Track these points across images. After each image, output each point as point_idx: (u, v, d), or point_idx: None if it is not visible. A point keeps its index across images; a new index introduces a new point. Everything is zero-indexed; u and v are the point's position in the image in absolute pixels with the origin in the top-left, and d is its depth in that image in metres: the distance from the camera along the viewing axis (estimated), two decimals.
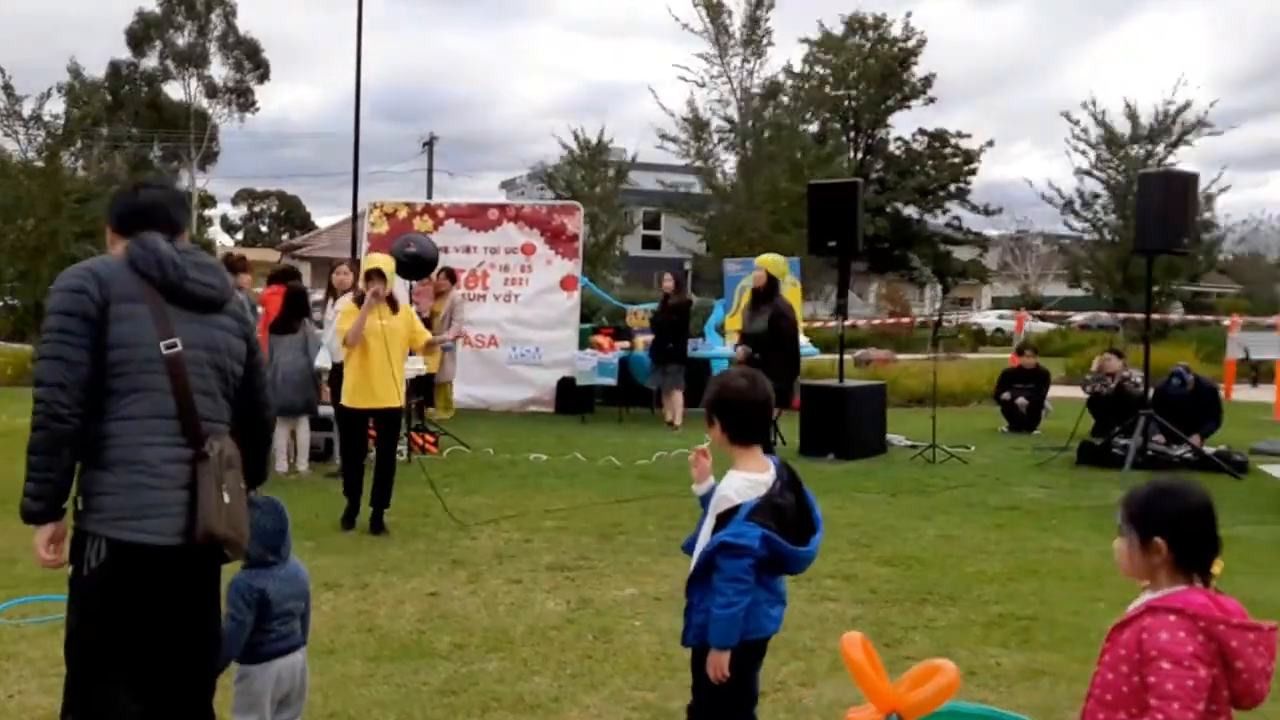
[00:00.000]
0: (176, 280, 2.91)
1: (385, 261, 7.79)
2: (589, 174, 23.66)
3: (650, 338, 12.67)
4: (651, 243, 45.83)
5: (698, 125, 18.32)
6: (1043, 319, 41.91)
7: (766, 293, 7.74)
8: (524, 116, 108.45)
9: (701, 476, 3.39)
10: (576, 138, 24.37)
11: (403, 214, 13.98)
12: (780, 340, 7.79)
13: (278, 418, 9.11)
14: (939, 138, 41.91)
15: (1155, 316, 22.28)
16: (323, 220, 72.68)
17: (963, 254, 48.29)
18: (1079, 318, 42.27)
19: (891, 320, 25.48)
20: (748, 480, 3.18)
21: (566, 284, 13.37)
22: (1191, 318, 24.84)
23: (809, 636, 5.04)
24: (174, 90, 49.61)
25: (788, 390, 7.91)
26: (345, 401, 7.38)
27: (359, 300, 7.45)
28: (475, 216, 13.87)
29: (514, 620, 5.23)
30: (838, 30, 31.55)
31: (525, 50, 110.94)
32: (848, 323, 13.50)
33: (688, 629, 3.25)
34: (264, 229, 79.54)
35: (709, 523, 3.25)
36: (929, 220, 43.22)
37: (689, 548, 3.38)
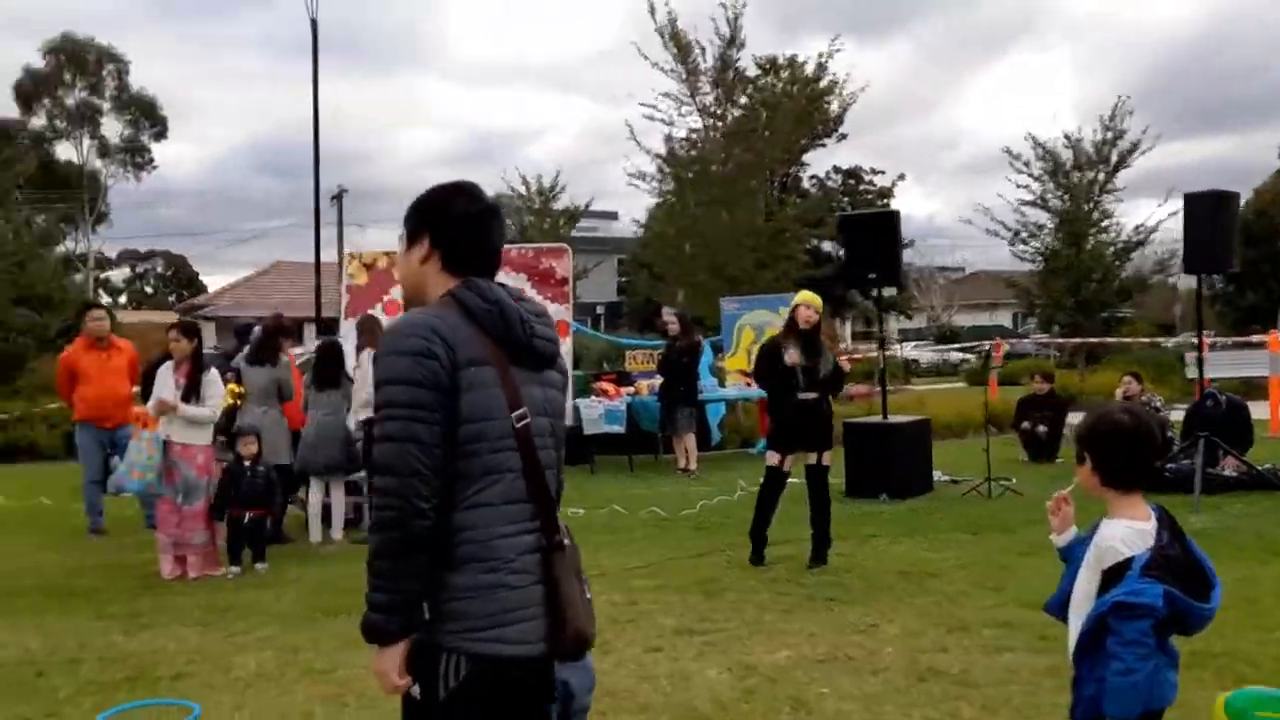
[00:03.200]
0: (525, 338, 2.40)
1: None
2: (539, 219, 23.25)
3: (654, 381, 12.26)
4: None
5: (677, 164, 18.09)
6: (961, 350, 42.76)
7: (817, 330, 7.40)
8: (409, 167, 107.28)
9: (1063, 526, 3.00)
10: (526, 182, 24.06)
11: (382, 264, 13.33)
12: (840, 384, 7.49)
13: (313, 479, 8.51)
14: (853, 175, 42.61)
15: (1094, 340, 22.84)
16: (210, 280, 70.37)
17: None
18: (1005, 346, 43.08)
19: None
20: (1134, 530, 2.78)
21: (558, 330, 12.78)
22: (1111, 340, 25.44)
23: (1016, 693, 4.67)
24: (65, 150, 47.82)
25: None
26: None
27: None
28: None
29: (686, 693, 4.76)
30: (751, 71, 31.97)
31: (408, 101, 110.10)
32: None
33: (1077, 703, 2.85)
34: (149, 290, 76.94)
35: (1089, 579, 2.85)
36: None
37: (1055, 608, 3.00)
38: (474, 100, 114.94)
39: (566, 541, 2.43)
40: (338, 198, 44.48)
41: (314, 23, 14.83)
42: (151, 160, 49.91)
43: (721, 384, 14.10)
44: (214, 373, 7.68)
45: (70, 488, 11.98)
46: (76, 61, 46.41)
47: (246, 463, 7.68)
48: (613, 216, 52.88)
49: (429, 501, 2.23)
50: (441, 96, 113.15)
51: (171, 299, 66.15)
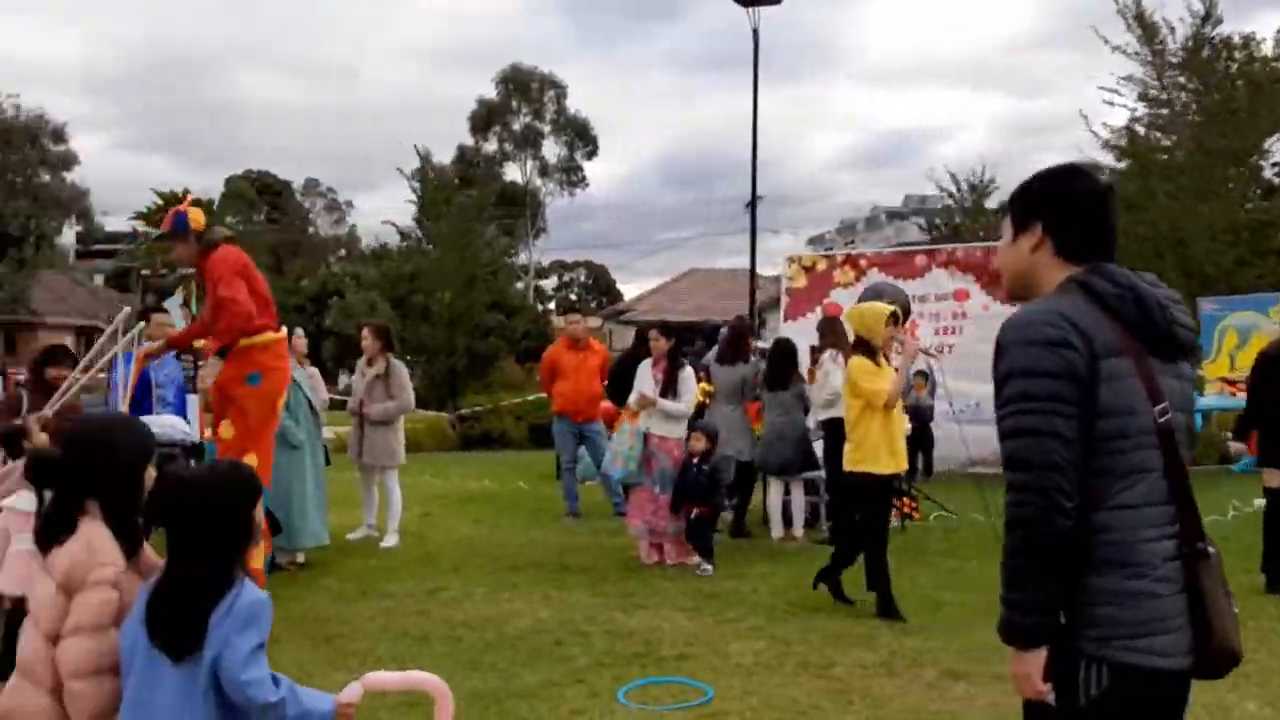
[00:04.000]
0: (1164, 326, 2.23)
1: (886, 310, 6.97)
2: (974, 218, 22.52)
3: None
4: None
5: (1140, 152, 16.85)
6: None
7: None
8: (816, 171, 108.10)
9: None
10: (955, 180, 23.46)
11: (821, 266, 13.46)
12: None
13: (773, 479, 8.69)
14: None
15: None
16: (625, 288, 74.82)
17: None
18: None
19: None
20: None
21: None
22: None
23: None
24: (511, 171, 52.98)
25: None
26: (876, 468, 6.53)
27: (864, 351, 6.65)
28: (900, 264, 13.13)
29: None
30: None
31: (812, 106, 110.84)
32: None
33: None
34: (573, 297, 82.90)
35: None
36: None
37: None
38: (882, 101, 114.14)
39: (1210, 549, 2.23)
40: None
41: (755, 33, 15.23)
42: (584, 178, 54.23)
43: (1199, 392, 12.82)
44: (689, 370, 8.04)
45: (539, 474, 13.15)
46: (523, 90, 51.30)
47: (694, 459, 7.78)
48: None
49: (1070, 499, 2.13)
50: (849, 99, 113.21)
51: (593, 305, 71.26)
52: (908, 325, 12.72)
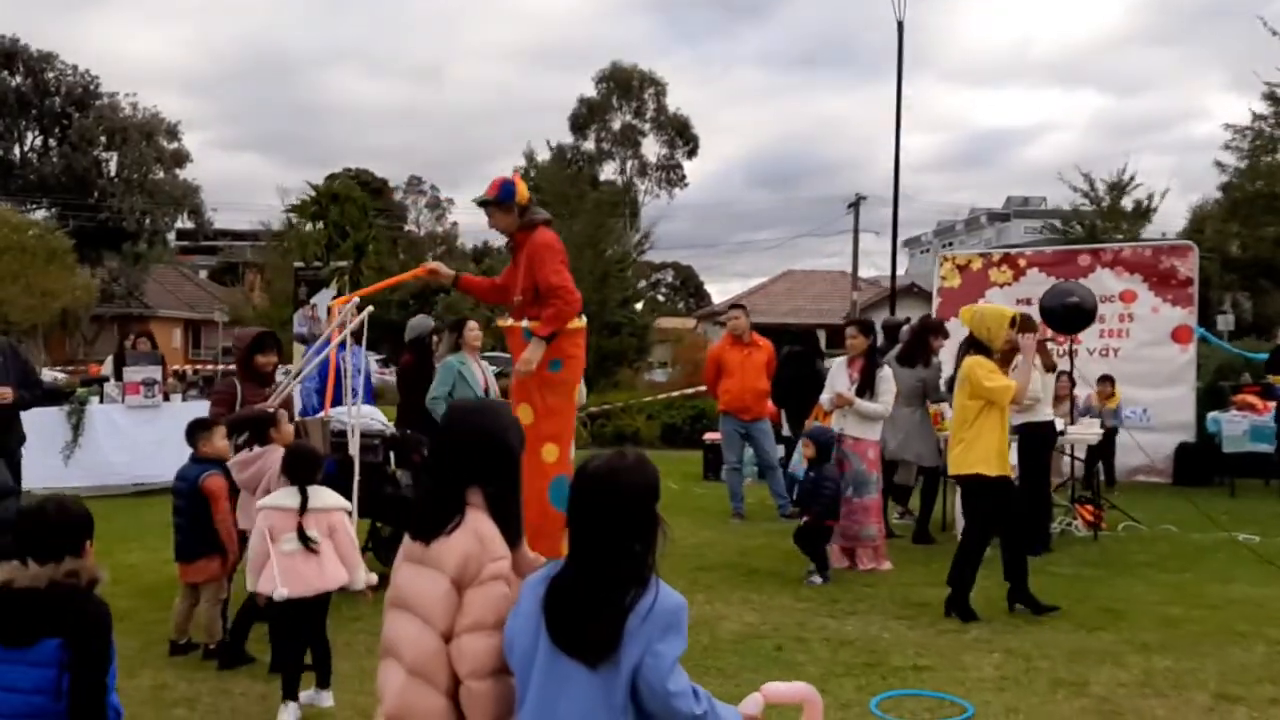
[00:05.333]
0: None
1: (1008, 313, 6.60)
2: (1110, 219, 21.72)
3: None
4: None
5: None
6: None
7: None
8: (903, 172, 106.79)
9: None
10: (1089, 180, 22.61)
11: (977, 265, 13.06)
12: None
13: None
14: None
15: None
16: (712, 289, 74.31)
17: None
18: None
19: None
20: None
21: (1179, 335, 11.79)
22: None
23: None
24: (607, 170, 52.87)
25: None
26: (988, 470, 6.21)
27: (980, 352, 6.32)
28: (1063, 263, 12.65)
29: None
30: None
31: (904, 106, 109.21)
32: None
33: None
34: (660, 298, 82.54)
35: None
36: None
37: None
38: (970, 101, 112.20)
39: None
40: (854, 205, 44.97)
41: (900, 25, 14.89)
42: (684, 177, 53.91)
43: None
44: (888, 370, 7.75)
45: (684, 474, 12.93)
46: (623, 88, 51.24)
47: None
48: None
49: None
50: (937, 98, 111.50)
51: (680, 306, 70.72)
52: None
